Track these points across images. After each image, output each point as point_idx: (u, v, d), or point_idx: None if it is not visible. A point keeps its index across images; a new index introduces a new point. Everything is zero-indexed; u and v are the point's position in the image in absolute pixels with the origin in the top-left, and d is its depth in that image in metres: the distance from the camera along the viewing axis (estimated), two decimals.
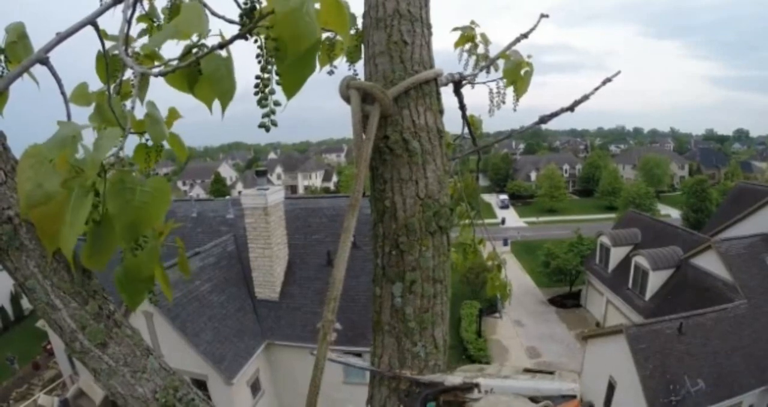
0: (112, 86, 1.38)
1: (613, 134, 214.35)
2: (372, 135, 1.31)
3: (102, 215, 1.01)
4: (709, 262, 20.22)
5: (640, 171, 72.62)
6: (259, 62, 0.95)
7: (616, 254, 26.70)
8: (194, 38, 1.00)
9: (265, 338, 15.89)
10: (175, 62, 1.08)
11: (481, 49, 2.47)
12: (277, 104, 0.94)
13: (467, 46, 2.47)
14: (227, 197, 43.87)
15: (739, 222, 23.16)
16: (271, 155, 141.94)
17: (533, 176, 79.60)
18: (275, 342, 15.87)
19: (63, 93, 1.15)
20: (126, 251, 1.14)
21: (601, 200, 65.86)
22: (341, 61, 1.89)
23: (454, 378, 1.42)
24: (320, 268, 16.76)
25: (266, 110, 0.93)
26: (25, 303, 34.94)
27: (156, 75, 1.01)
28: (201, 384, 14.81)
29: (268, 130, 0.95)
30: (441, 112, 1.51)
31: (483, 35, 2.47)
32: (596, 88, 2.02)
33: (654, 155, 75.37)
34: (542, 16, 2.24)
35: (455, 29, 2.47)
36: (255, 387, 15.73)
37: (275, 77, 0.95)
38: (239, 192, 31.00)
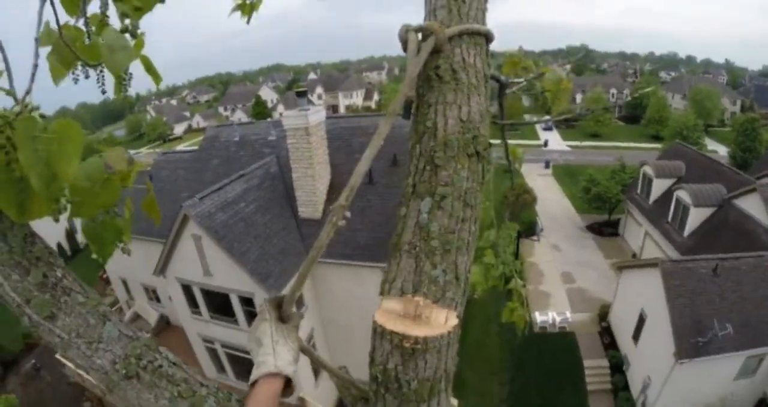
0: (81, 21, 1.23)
1: (665, 60, 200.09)
2: (423, 57, 1.37)
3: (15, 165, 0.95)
4: (753, 205, 19.53)
5: (690, 102, 68.89)
6: None
7: (659, 186, 26.04)
8: None
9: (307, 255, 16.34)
10: None
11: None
12: None
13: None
14: (269, 119, 44.28)
15: None
16: (311, 76, 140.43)
17: (578, 98, 76.45)
18: (318, 259, 16.32)
19: None
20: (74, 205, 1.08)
21: (647, 129, 63.48)
22: None
23: None
24: (362, 187, 16.83)
25: None
26: (80, 237, 37.60)
27: None
28: (248, 301, 15.70)
29: None
30: (488, 64, 1.56)
31: (529, 62, 2.50)
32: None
33: (705, 87, 71.00)
34: None
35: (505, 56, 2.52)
36: (299, 303, 16.40)
37: None
38: (280, 114, 31.10)
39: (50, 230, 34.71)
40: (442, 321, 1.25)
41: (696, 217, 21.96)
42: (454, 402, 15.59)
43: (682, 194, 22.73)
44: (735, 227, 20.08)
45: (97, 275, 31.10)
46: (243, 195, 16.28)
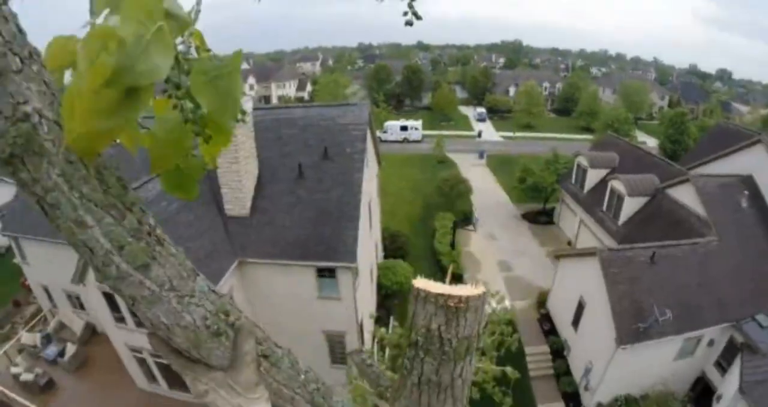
0: None
1: (595, 57, 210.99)
2: None
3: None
4: (685, 195, 20.35)
5: (620, 96, 72.59)
6: None
7: (593, 176, 26.85)
8: None
9: (236, 256, 15.57)
10: None
11: None
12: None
13: None
14: None
15: (716, 160, 23.12)
16: (244, 65, 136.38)
17: (512, 91, 78.47)
18: (247, 259, 15.60)
19: None
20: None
21: (578, 121, 65.87)
22: None
23: None
24: (292, 181, 16.21)
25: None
26: (1, 240, 34.51)
27: None
28: None
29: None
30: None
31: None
32: None
33: (635, 82, 75.05)
34: None
35: None
36: None
37: None
38: None
39: None
40: (472, 289, 1.34)
41: (630, 206, 22.71)
42: None
43: (617, 184, 23.42)
44: (668, 215, 20.89)
45: (18, 282, 28.28)
46: (163, 194, 15.16)
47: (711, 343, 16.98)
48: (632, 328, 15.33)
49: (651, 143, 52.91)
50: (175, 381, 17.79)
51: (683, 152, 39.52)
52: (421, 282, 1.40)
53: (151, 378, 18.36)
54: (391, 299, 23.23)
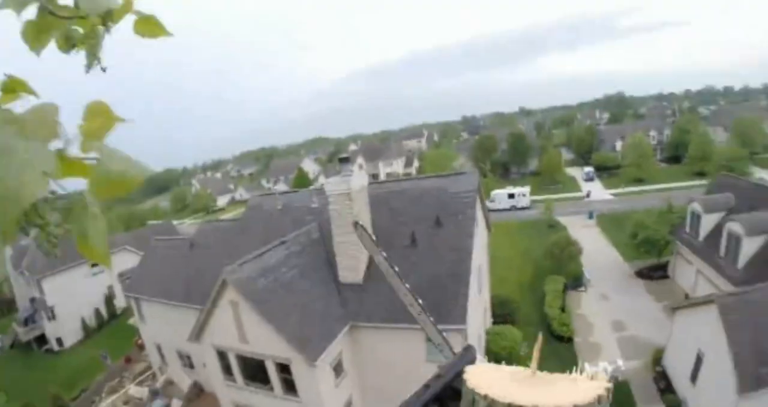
0: None
1: (702, 95, 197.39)
2: None
3: None
4: None
5: (732, 133, 66.48)
6: None
7: (708, 221, 24.73)
8: None
9: (348, 320, 15.92)
10: None
11: None
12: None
13: None
14: (311, 187, 45.45)
15: None
16: (352, 147, 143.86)
17: (618, 145, 75.05)
18: (359, 323, 15.86)
19: None
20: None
21: (690, 166, 61.07)
22: None
23: None
24: (404, 249, 16.56)
25: None
26: (118, 302, 38.74)
27: None
28: (284, 367, 15.19)
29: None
30: None
31: None
32: None
33: (746, 116, 68.66)
34: None
35: None
36: (338, 369, 15.85)
37: None
38: (322, 184, 31.86)
39: (92, 297, 36.07)
40: (583, 381, 0.89)
41: (750, 246, 20.60)
42: None
43: (734, 226, 21.43)
44: None
45: (133, 341, 31.23)
46: (284, 261, 16.23)
47: None
48: (754, 374, 13.57)
49: None
50: None
51: None
52: (477, 374, 0.94)
53: None
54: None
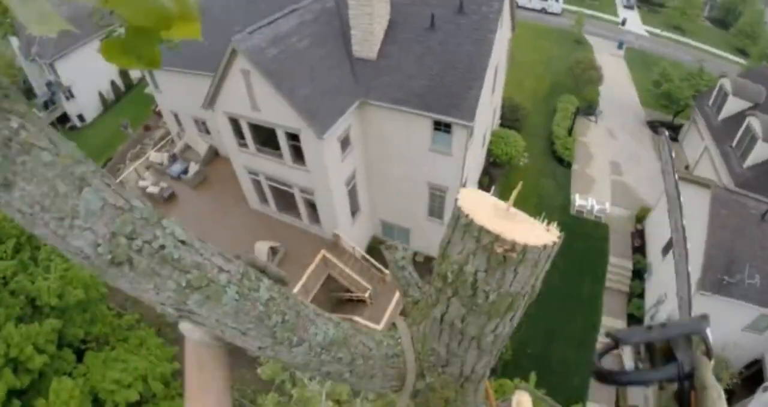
0: None
1: None
2: None
3: None
4: None
5: None
6: None
7: (732, 105, 23.48)
8: None
9: (359, 96, 15.81)
10: None
11: None
12: None
13: None
14: None
15: None
16: None
17: None
18: (369, 101, 15.79)
19: None
20: None
21: (735, 39, 56.16)
22: None
23: None
24: (422, 31, 15.78)
25: None
26: (134, 73, 38.18)
27: None
28: (294, 136, 15.62)
29: None
30: None
31: None
32: None
33: None
34: None
35: None
36: (345, 143, 16.31)
37: None
38: None
39: (106, 71, 35.64)
40: (541, 229, 1.01)
41: (763, 151, 19.91)
42: None
43: (754, 123, 20.41)
44: None
45: (150, 109, 32.02)
46: (296, 29, 15.46)
47: None
48: (717, 278, 14.36)
49: None
50: (284, 205, 19.52)
51: None
52: (469, 196, 1.06)
53: (263, 199, 20.14)
54: (498, 169, 23.21)
